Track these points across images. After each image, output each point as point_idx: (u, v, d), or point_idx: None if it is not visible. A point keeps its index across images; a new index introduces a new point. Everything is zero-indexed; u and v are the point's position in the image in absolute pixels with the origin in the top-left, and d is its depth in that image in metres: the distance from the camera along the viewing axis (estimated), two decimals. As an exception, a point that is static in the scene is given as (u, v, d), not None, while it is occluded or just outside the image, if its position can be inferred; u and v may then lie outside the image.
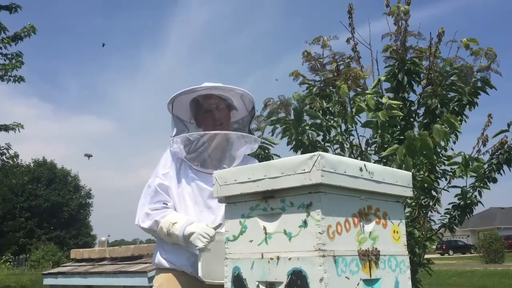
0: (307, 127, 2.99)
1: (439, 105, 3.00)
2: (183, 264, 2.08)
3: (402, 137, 2.78)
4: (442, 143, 2.79)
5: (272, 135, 3.13)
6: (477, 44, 3.05)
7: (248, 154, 2.38)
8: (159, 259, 2.15)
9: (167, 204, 2.13)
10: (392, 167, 2.55)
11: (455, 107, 3.11)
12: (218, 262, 1.73)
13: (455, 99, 3.11)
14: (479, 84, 3.11)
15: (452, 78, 3.02)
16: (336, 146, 3.17)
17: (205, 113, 2.27)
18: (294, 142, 2.98)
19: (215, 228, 1.99)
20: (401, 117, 2.86)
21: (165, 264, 2.13)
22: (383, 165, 2.02)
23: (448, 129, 2.66)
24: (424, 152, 2.51)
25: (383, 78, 3.11)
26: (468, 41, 3.05)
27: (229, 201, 1.56)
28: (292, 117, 2.89)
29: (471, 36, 3.07)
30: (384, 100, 2.82)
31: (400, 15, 3.06)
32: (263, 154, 3.17)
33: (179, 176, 2.19)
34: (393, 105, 2.72)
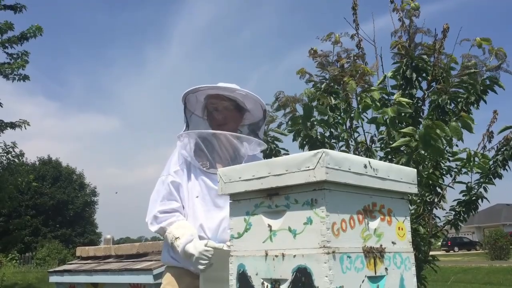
0: (315, 122, 2.98)
1: (448, 102, 2.98)
2: (189, 264, 2.09)
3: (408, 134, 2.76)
4: (455, 141, 2.77)
5: (279, 128, 3.14)
6: (490, 43, 3.00)
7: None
8: (167, 257, 2.20)
9: (176, 206, 2.16)
10: (401, 160, 2.54)
11: (463, 106, 3.09)
12: (218, 270, 1.86)
13: (464, 96, 3.09)
14: (487, 82, 3.08)
15: (463, 77, 2.98)
16: (341, 143, 3.16)
17: (211, 112, 2.30)
18: (300, 138, 2.97)
19: (214, 248, 1.99)
20: (409, 114, 2.84)
21: (173, 262, 2.18)
22: (389, 162, 2.01)
23: (462, 127, 2.64)
24: (438, 143, 2.46)
25: (389, 74, 3.09)
26: (481, 41, 3.01)
27: (234, 198, 1.56)
28: (299, 113, 2.89)
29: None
30: (395, 96, 2.80)
31: (411, 12, 3.03)
32: (272, 150, 3.16)
33: (189, 174, 2.22)
34: (403, 102, 2.70)
